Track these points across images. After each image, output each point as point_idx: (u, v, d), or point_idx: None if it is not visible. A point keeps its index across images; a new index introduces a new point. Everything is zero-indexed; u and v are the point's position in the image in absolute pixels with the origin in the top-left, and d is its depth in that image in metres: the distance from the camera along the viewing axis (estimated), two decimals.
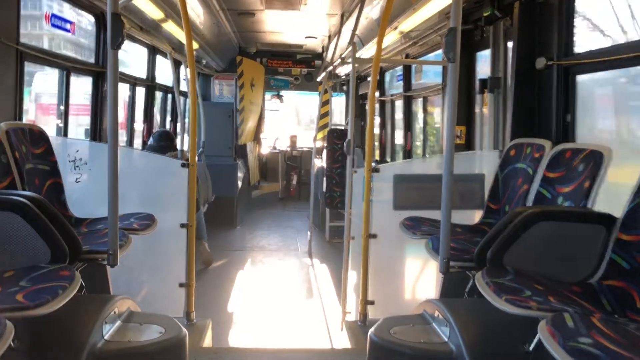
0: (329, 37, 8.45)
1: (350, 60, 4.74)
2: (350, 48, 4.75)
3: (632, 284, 2.26)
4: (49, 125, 4.62)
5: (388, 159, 8.87)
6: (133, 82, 6.27)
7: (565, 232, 2.53)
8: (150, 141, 6.27)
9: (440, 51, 5.48)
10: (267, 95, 11.79)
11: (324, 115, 10.34)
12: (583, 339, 1.73)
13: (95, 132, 4.99)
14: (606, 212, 2.50)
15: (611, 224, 2.43)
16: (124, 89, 6.09)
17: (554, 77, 3.55)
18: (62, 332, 2.46)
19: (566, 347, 1.70)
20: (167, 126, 8.16)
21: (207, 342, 3.62)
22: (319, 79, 10.26)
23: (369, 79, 7.78)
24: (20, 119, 3.66)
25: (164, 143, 6.10)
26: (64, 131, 4.60)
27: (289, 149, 12.28)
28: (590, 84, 3.59)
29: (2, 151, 2.99)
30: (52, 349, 2.40)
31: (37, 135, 3.43)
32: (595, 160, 2.76)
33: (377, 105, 9.01)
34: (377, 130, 9.23)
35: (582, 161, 2.85)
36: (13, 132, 3.15)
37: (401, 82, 7.63)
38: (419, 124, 7.15)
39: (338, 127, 8.67)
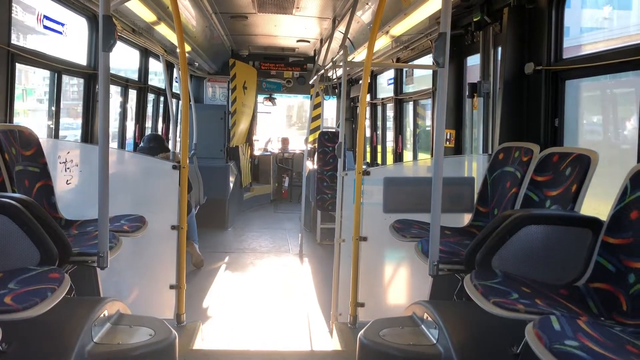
0: (321, 40, 8.47)
1: (341, 63, 4.76)
2: (341, 52, 4.77)
3: (618, 287, 2.28)
4: None
5: (379, 162, 8.91)
6: (125, 84, 6.25)
7: (552, 236, 2.54)
8: (142, 143, 6.30)
9: (430, 55, 5.51)
10: (260, 98, 11.79)
11: (316, 118, 10.36)
12: (569, 342, 1.75)
13: (87, 134, 4.97)
14: (593, 216, 2.53)
15: (597, 227, 2.45)
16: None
17: (543, 82, 3.59)
18: (51, 334, 2.45)
19: (552, 350, 1.71)
20: (159, 128, 8.14)
21: (197, 344, 3.62)
22: (310, 82, 10.29)
23: (361, 82, 7.81)
24: (11, 120, 3.64)
25: (153, 144, 6.13)
26: (54, 133, 4.59)
27: (280, 152, 12.29)
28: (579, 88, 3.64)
29: None
30: (41, 351, 2.38)
31: (27, 137, 3.42)
32: (582, 164, 2.79)
33: (368, 109, 9.04)
34: (368, 133, 9.27)
35: (569, 165, 2.88)
36: (3, 134, 3.13)
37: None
38: (409, 127, 7.19)
39: (329, 130, 8.67)
